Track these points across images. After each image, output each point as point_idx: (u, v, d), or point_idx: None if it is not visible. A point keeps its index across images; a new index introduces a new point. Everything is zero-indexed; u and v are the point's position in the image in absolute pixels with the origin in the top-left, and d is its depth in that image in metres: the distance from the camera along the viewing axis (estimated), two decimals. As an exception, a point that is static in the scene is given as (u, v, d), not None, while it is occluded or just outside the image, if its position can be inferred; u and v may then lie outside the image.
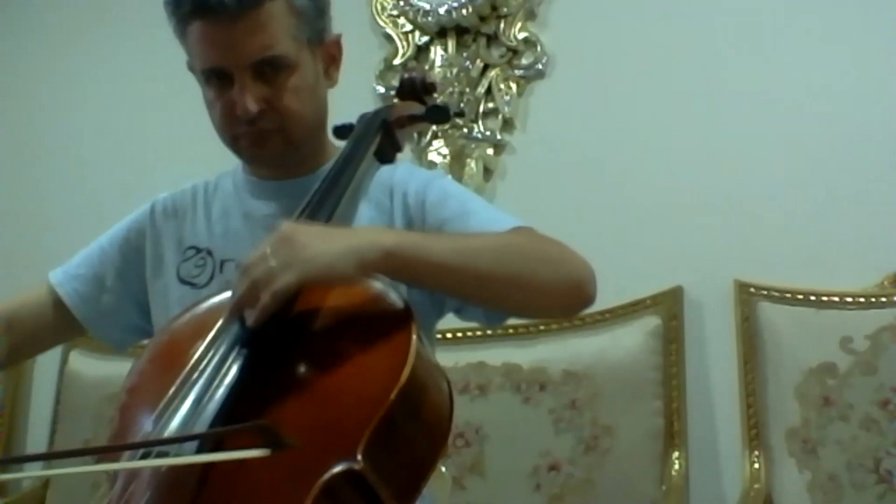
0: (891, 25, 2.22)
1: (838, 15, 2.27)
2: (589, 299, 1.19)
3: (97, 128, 3.05)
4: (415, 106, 1.46)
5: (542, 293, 1.16)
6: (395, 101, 1.52)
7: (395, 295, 1.06)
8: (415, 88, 1.46)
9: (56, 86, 3.14)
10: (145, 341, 1.38)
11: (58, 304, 1.41)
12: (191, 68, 1.34)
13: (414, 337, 0.98)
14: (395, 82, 2.64)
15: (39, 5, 3.21)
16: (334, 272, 1.02)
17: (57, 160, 3.10)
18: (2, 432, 2.92)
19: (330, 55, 1.36)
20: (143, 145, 2.93)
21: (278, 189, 1.36)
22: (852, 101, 2.22)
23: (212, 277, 1.33)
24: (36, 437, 2.91)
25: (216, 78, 1.26)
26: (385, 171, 1.37)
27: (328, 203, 1.21)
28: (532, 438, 2.21)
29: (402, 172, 1.36)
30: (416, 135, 2.47)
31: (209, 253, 1.35)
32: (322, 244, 1.03)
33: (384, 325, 1.02)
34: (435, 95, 1.50)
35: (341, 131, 1.44)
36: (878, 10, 2.23)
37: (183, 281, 1.35)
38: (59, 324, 1.42)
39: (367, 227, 1.26)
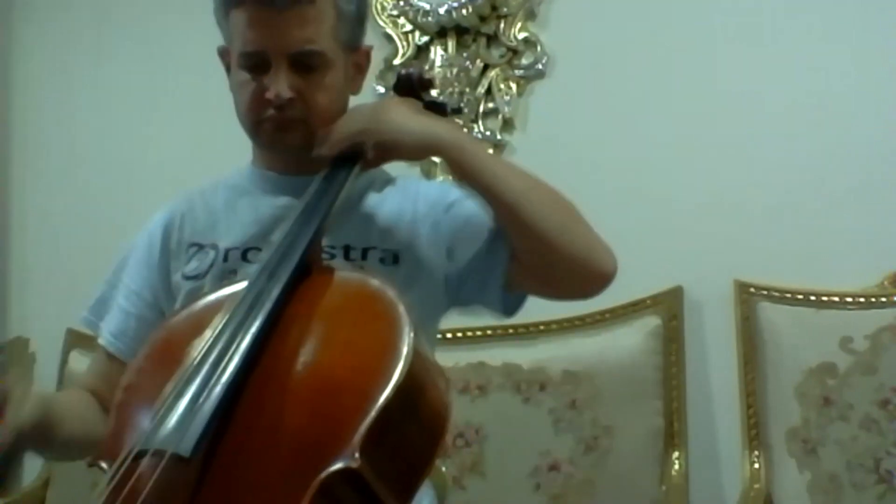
0: (891, 25, 2.22)
1: (838, 15, 2.27)
2: (612, 274, 1.26)
3: (97, 127, 3.05)
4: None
5: (582, 242, 1.25)
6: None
7: (392, 292, 1.06)
8: (412, 85, 1.45)
9: (57, 85, 3.14)
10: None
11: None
12: (221, 54, 1.37)
13: (411, 334, 0.98)
14: (396, 82, 2.65)
15: (40, 5, 3.21)
16: (402, 142, 1.25)
17: (57, 159, 3.10)
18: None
19: (358, 63, 1.40)
20: (143, 145, 2.93)
21: (293, 184, 1.35)
22: (852, 100, 2.22)
23: (212, 265, 1.33)
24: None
25: (253, 63, 1.29)
26: (412, 181, 1.46)
27: (327, 198, 1.24)
28: (532, 438, 2.21)
29: (424, 182, 1.51)
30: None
31: (213, 246, 1.35)
32: (405, 119, 1.28)
33: (381, 322, 1.03)
34: (432, 92, 1.50)
35: None
36: (878, 10, 2.23)
37: (187, 278, 1.34)
38: None
39: (448, 124, 1.36)
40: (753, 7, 2.35)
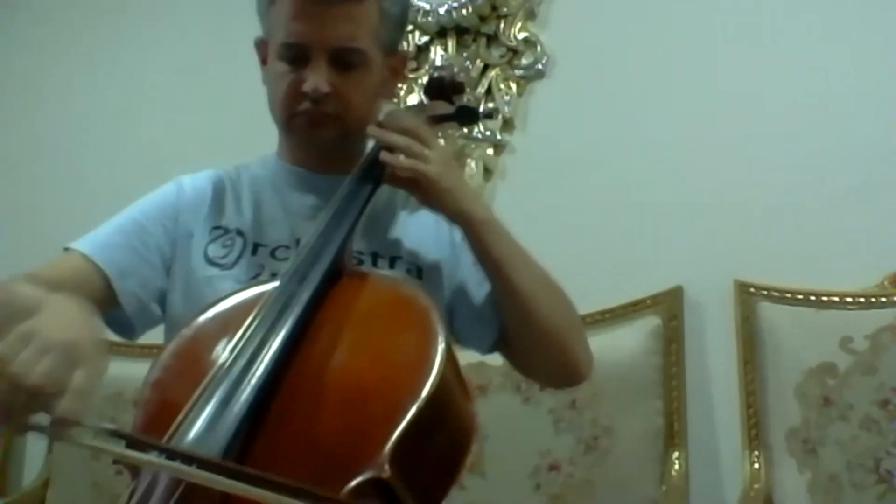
0: (891, 25, 2.22)
1: (838, 15, 2.27)
2: (582, 382, 1.34)
3: (98, 126, 3.05)
4: (443, 106, 1.45)
5: (572, 348, 1.30)
6: (423, 100, 1.52)
7: (425, 298, 1.06)
8: (443, 88, 1.45)
9: (56, 85, 3.14)
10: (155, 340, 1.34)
11: (94, 275, 1.27)
12: (258, 45, 1.37)
13: (443, 344, 0.98)
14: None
15: (39, 4, 3.21)
16: (455, 204, 1.24)
17: (57, 159, 3.10)
18: (2, 433, 2.92)
19: (394, 68, 1.39)
20: (143, 144, 2.93)
21: (321, 182, 1.35)
22: (852, 100, 2.22)
23: (240, 257, 1.30)
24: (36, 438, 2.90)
25: (293, 54, 1.29)
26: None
27: (357, 202, 1.24)
28: (532, 438, 2.21)
29: None
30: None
31: (239, 233, 1.33)
32: (463, 184, 1.30)
33: (414, 330, 1.03)
34: (463, 96, 1.50)
35: None
36: (878, 10, 2.24)
37: (210, 262, 1.31)
38: (96, 299, 1.21)
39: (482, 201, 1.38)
40: (753, 7, 2.35)
